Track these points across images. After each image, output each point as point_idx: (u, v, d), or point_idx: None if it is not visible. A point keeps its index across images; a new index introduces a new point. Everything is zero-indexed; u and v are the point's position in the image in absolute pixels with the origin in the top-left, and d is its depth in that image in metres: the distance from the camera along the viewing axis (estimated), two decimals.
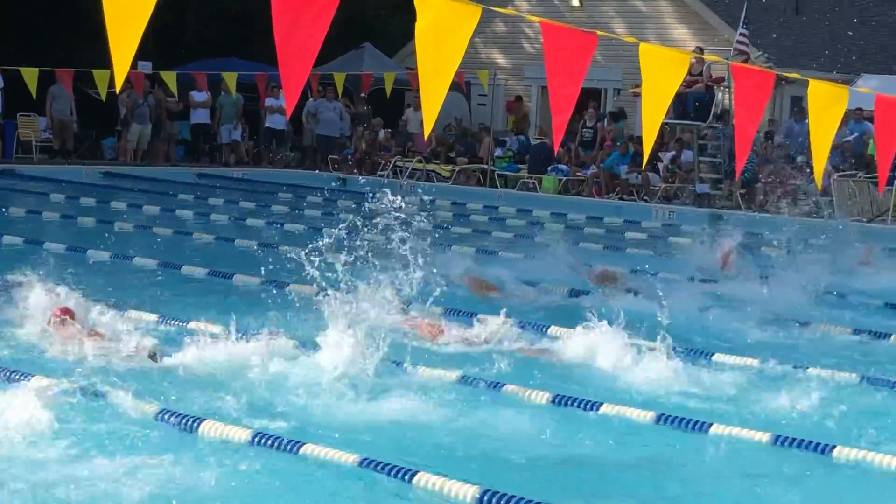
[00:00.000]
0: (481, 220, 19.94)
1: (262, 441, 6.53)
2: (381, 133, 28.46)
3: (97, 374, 7.62)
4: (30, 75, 23.06)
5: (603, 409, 7.62)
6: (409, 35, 31.10)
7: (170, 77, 25.24)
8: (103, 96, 24.10)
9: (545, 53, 7.73)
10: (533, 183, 25.14)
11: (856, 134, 23.63)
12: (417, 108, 27.64)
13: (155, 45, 24.75)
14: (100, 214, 17.31)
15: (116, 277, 11.34)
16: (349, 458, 6.29)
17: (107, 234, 14.45)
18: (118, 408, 7.04)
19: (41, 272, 9.19)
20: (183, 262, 12.35)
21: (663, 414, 7.49)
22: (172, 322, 9.53)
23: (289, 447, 6.45)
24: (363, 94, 28.81)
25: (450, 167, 26.49)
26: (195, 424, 6.79)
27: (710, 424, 7.32)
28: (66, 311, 8.81)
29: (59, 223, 16.57)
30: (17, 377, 7.49)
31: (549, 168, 25.25)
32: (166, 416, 6.92)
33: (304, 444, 6.46)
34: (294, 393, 7.78)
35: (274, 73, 26.01)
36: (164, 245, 14.15)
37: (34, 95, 23.47)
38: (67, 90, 25.14)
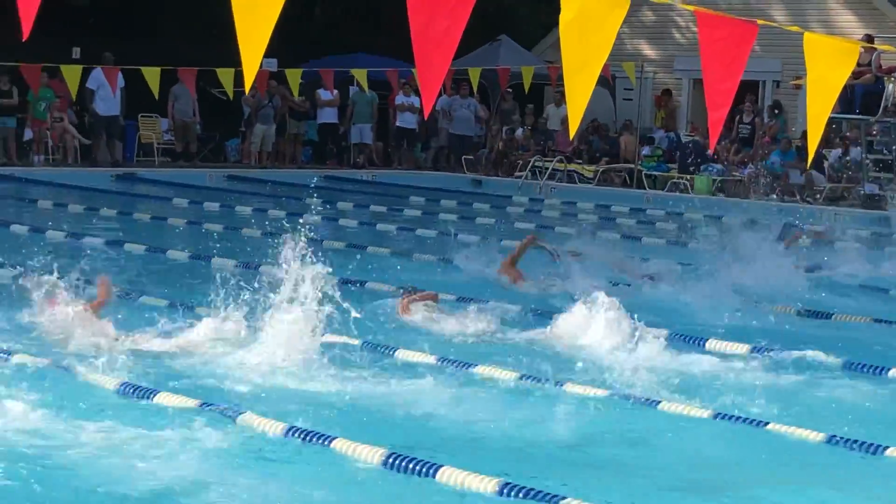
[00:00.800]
0: (628, 224, 19.86)
1: (396, 464, 6.61)
2: (519, 131, 28.51)
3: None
4: (151, 74, 23.58)
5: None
6: (548, 26, 31.12)
7: (294, 75, 25.61)
8: (230, 95, 24.59)
9: (700, 44, 7.67)
10: (684, 183, 24.94)
11: None
12: (559, 104, 27.63)
13: (280, 40, 25.12)
14: (225, 220, 17.66)
15: (244, 287, 11.54)
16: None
17: (233, 242, 14.75)
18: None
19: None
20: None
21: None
22: None
23: (423, 470, 6.53)
24: (508, 90, 28.85)
25: (593, 167, 26.41)
26: (326, 441, 6.92)
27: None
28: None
29: (184, 229, 16.93)
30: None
31: (702, 167, 25.02)
32: (297, 432, 7.06)
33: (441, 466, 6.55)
34: (431, 408, 7.90)
35: (405, 68, 26.45)
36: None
37: (156, 95, 24.00)
38: (190, 90, 25.66)
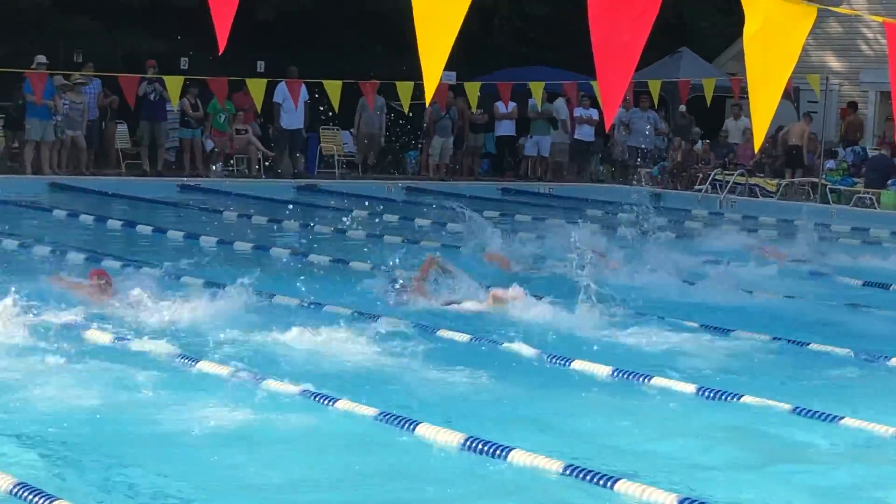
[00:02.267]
0: (811, 239, 19.42)
1: (574, 475, 6.61)
2: (699, 144, 28.20)
3: None
4: (333, 88, 23.99)
5: None
6: (730, 37, 30.72)
7: (472, 88, 25.80)
8: (406, 108, 24.86)
9: (890, 57, 7.51)
10: (870, 198, 24.36)
11: None
12: (737, 116, 27.29)
13: (459, 53, 25.30)
14: (405, 232, 17.81)
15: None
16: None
17: (412, 253, 14.87)
18: None
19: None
20: (493, 283, 12.59)
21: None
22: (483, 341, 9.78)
23: (601, 482, 6.53)
24: (682, 107, 28.61)
25: (775, 181, 25.97)
26: (503, 452, 6.95)
27: None
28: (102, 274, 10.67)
29: (364, 242, 17.10)
30: None
31: (890, 182, 24.40)
32: (476, 442, 7.11)
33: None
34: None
35: (583, 81, 26.39)
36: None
37: (336, 109, 24.41)
38: (369, 103, 26.06)
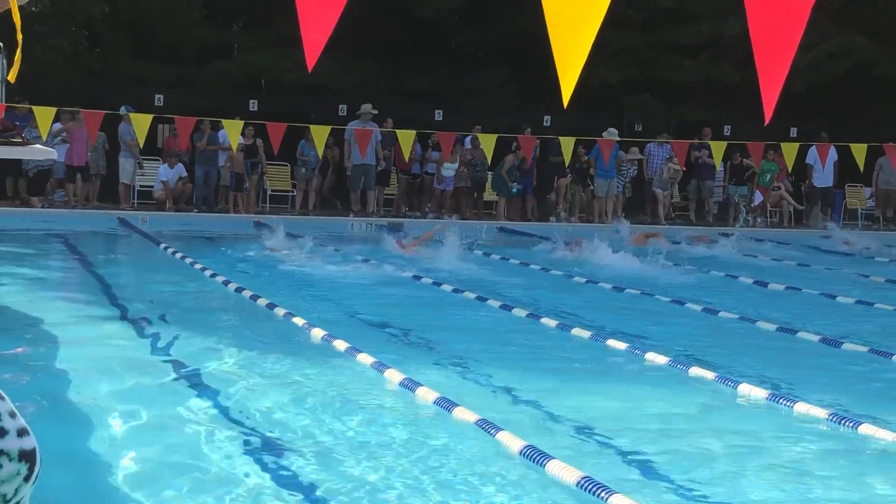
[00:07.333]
0: None
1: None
2: None
3: None
4: (858, 150, 23.39)
5: None
6: None
7: None
8: None
9: None
10: None
11: None
12: None
13: None
14: None
15: None
16: None
17: None
18: None
19: None
20: None
21: None
22: None
23: None
24: None
25: None
26: None
27: None
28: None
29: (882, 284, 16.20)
30: None
31: None
32: None
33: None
34: None
35: None
36: None
37: (861, 168, 23.79)
38: (893, 162, 25.13)
